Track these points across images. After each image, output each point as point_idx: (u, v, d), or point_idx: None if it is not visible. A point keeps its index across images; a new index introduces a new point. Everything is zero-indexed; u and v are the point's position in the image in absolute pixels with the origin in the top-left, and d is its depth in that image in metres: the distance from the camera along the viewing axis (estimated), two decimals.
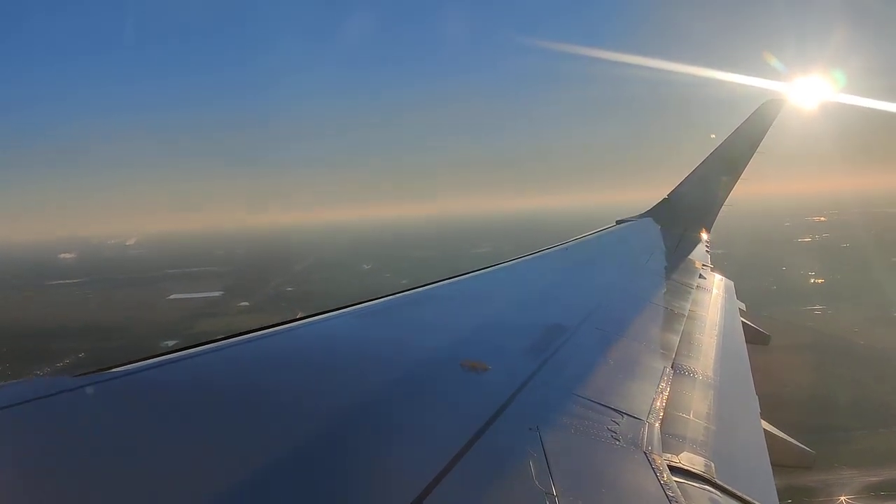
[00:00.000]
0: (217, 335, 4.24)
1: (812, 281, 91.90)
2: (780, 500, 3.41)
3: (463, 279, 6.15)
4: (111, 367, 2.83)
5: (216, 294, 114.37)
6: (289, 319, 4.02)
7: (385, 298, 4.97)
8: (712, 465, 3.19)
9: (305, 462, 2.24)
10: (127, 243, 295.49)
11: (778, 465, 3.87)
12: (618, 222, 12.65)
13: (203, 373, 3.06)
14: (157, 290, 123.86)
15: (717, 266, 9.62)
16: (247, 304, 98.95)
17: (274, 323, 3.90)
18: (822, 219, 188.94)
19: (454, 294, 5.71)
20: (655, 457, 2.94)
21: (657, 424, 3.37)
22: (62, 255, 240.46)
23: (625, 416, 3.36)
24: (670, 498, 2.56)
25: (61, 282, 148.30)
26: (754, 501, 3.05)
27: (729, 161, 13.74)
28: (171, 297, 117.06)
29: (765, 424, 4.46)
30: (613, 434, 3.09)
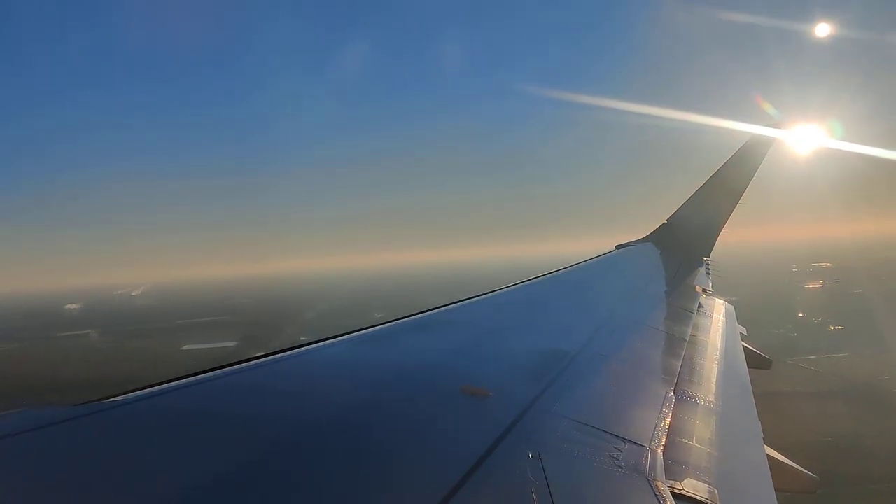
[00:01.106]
0: (335, 335, 4.33)
1: (831, 328, 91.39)
2: None
3: (462, 304, 6.18)
4: (109, 397, 2.83)
5: (231, 344, 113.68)
6: (287, 347, 4.03)
7: (384, 325, 4.98)
8: (716, 491, 3.19)
9: (302, 490, 2.24)
10: (133, 294, 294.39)
11: (782, 491, 3.87)
12: (618, 247, 12.67)
13: (201, 401, 3.05)
14: (169, 341, 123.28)
15: (732, 309, 9.67)
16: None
17: (272, 350, 3.90)
18: (829, 265, 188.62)
19: (454, 319, 5.69)
20: (658, 483, 2.94)
21: (660, 451, 3.37)
22: (68, 307, 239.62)
23: (627, 442, 3.36)
24: None
25: (70, 333, 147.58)
26: None
27: (728, 184, 13.80)
28: (185, 347, 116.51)
29: (768, 450, 4.42)
30: (616, 461, 3.09)
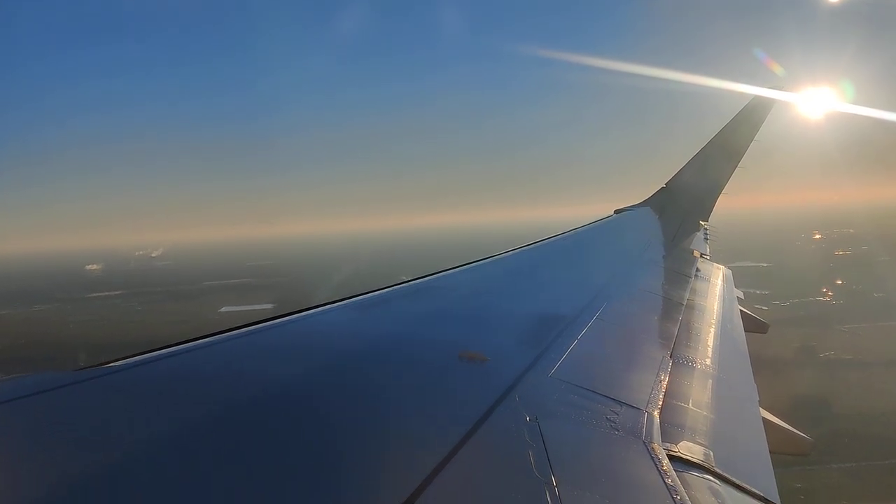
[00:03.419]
0: (334, 300, 4.32)
1: (875, 295, 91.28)
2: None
3: (460, 270, 6.16)
4: (109, 362, 2.84)
5: (268, 307, 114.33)
6: (286, 312, 4.02)
7: (383, 290, 4.98)
8: (711, 453, 3.20)
9: (303, 453, 2.26)
10: (153, 255, 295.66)
11: (777, 454, 3.89)
12: (616, 212, 12.64)
13: (201, 366, 3.06)
14: (204, 303, 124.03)
15: (730, 273, 9.64)
16: None
17: (271, 316, 3.91)
18: (852, 231, 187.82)
19: (452, 285, 5.69)
20: (654, 446, 2.96)
21: (656, 414, 3.39)
22: (89, 267, 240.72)
23: (623, 405, 3.38)
24: (669, 487, 2.58)
25: (100, 294, 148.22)
26: (753, 489, 3.08)
27: (727, 149, 13.64)
28: (223, 309, 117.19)
29: (764, 413, 4.47)
30: (612, 424, 3.12)
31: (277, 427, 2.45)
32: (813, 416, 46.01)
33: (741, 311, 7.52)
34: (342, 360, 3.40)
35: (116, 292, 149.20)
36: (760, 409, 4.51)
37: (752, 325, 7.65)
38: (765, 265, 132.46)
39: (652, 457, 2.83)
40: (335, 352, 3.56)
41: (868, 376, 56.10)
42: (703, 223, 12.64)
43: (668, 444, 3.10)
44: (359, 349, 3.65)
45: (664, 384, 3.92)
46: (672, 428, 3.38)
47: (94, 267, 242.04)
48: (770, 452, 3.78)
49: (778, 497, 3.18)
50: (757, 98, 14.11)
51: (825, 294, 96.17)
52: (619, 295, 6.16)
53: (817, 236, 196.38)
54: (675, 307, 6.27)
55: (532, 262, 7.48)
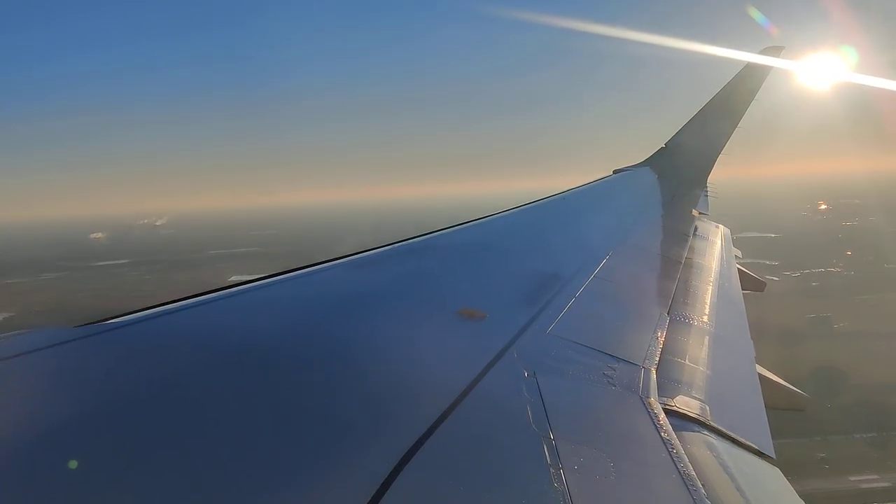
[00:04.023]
0: (335, 257, 4.35)
1: (886, 266, 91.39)
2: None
3: (460, 229, 6.15)
4: (107, 319, 2.84)
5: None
6: (289, 269, 4.01)
7: (382, 248, 4.97)
8: (707, 408, 3.23)
9: (302, 407, 2.28)
10: (156, 223, 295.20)
11: (773, 409, 3.90)
12: (615, 172, 12.64)
13: (199, 322, 3.07)
14: (213, 272, 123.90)
15: (728, 232, 9.67)
16: None
17: (272, 273, 3.92)
18: (858, 201, 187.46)
19: (451, 244, 5.68)
20: (651, 401, 2.99)
21: (653, 369, 3.41)
22: (93, 235, 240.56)
23: (621, 361, 3.41)
24: (665, 440, 2.61)
25: (107, 263, 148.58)
26: (748, 443, 3.10)
27: (727, 109, 13.64)
28: (233, 279, 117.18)
29: (759, 369, 4.51)
30: (609, 379, 3.15)
31: (280, 381, 2.47)
32: (833, 386, 46.46)
33: (739, 269, 7.57)
34: (344, 316, 3.40)
35: (123, 261, 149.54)
36: (757, 365, 4.56)
37: (750, 284, 7.72)
38: (772, 236, 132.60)
39: (648, 411, 2.88)
40: (336, 308, 3.56)
41: (885, 347, 56.45)
42: (702, 182, 12.63)
43: (665, 399, 3.13)
44: (359, 305, 3.65)
45: (661, 340, 3.96)
46: (669, 383, 3.42)
47: (99, 235, 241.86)
48: (766, 407, 3.81)
49: (773, 450, 3.19)
50: (756, 58, 14.08)
51: (836, 265, 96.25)
52: (618, 253, 6.13)
53: (823, 206, 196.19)
54: (673, 265, 6.32)
55: (531, 221, 7.48)
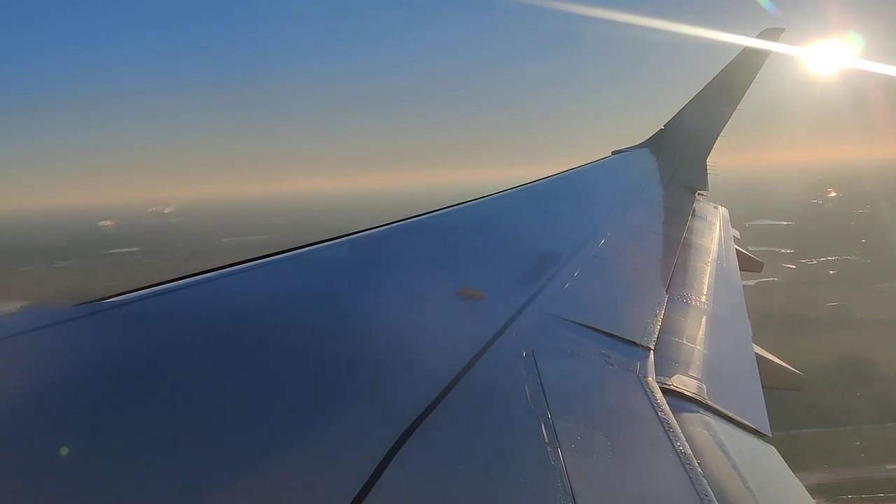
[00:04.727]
0: (332, 237, 4.27)
1: None
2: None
3: (458, 208, 6.10)
4: (105, 298, 2.85)
5: None
6: (285, 249, 3.98)
7: (381, 228, 4.93)
8: (704, 387, 3.27)
9: (303, 384, 2.30)
10: (165, 211, 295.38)
11: (769, 388, 3.94)
12: (614, 153, 12.61)
13: (198, 302, 3.06)
14: (225, 260, 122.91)
15: (727, 213, 9.65)
16: None
17: (271, 252, 3.88)
18: (868, 189, 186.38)
19: (450, 223, 5.66)
20: (648, 380, 3.02)
21: (651, 348, 3.46)
22: (102, 223, 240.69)
23: (619, 341, 3.45)
24: (662, 419, 2.64)
25: (119, 251, 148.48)
26: (745, 422, 3.14)
27: (727, 90, 13.56)
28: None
29: (756, 348, 4.53)
30: (607, 358, 3.18)
31: (281, 361, 2.49)
32: (861, 375, 46.45)
33: (737, 249, 7.60)
34: (342, 297, 3.42)
35: (135, 249, 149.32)
36: (754, 344, 4.60)
37: (748, 264, 7.81)
38: (784, 223, 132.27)
39: (646, 390, 2.92)
40: (336, 289, 3.57)
41: None
42: (701, 163, 12.65)
43: (662, 378, 3.16)
44: (357, 285, 3.68)
45: (659, 320, 3.99)
46: (666, 362, 3.44)
47: (108, 223, 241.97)
48: (763, 387, 3.84)
49: (769, 429, 3.22)
50: (758, 38, 13.90)
51: (851, 253, 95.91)
52: (617, 233, 6.16)
53: (833, 194, 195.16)
54: (671, 245, 6.34)
55: (531, 201, 7.47)
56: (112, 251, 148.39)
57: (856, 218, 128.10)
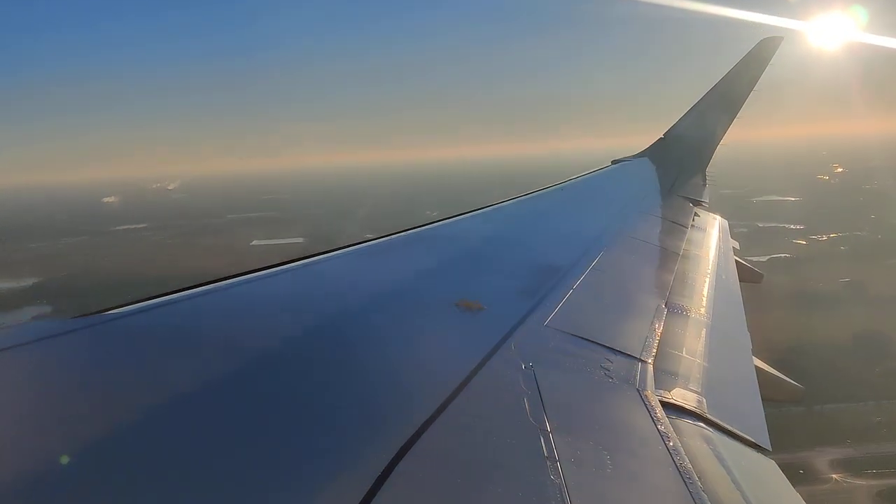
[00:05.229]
0: (334, 248, 4.36)
1: None
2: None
3: (458, 220, 6.13)
4: (108, 309, 2.86)
5: (298, 240, 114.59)
6: (284, 260, 4.02)
7: (381, 239, 4.98)
8: (704, 400, 3.26)
9: (304, 395, 2.31)
10: (169, 187, 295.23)
11: (769, 401, 3.92)
12: (613, 162, 12.63)
13: (198, 314, 3.08)
14: (233, 237, 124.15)
15: (726, 224, 9.67)
16: None
17: (271, 264, 3.91)
18: (874, 164, 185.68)
19: (450, 235, 5.66)
20: (648, 393, 3.01)
21: (650, 362, 3.43)
22: (106, 199, 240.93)
23: (618, 354, 3.42)
24: (662, 433, 2.62)
25: (126, 227, 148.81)
26: (745, 435, 3.12)
27: (726, 100, 13.61)
28: (254, 243, 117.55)
29: (756, 361, 4.51)
30: (607, 372, 3.15)
31: (279, 372, 2.50)
32: (878, 351, 46.65)
33: (736, 260, 7.61)
34: (343, 308, 3.43)
35: (141, 225, 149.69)
36: (753, 357, 4.57)
37: (747, 275, 7.75)
38: (792, 199, 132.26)
39: (645, 404, 2.90)
40: (336, 300, 3.59)
41: None
42: (701, 173, 12.70)
43: (662, 392, 3.15)
44: (358, 297, 3.68)
45: (658, 333, 3.97)
46: (666, 375, 3.42)
47: (112, 199, 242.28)
48: (762, 399, 3.83)
49: (769, 442, 3.20)
50: (756, 49, 13.89)
51: (861, 228, 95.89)
52: (616, 245, 6.16)
53: (839, 170, 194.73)
54: (670, 257, 6.32)
55: (530, 212, 7.48)
56: (119, 228, 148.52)
57: (863, 193, 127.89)
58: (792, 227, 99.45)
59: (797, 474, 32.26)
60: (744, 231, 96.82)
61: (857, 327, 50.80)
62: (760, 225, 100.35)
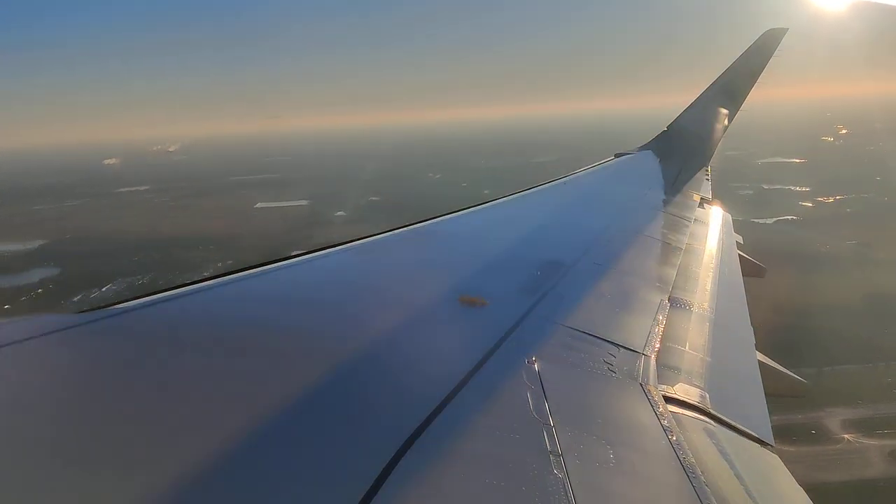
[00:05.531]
0: (335, 243, 4.37)
1: None
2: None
3: (461, 215, 6.14)
4: (113, 304, 2.88)
5: (303, 203, 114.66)
6: (286, 256, 4.05)
7: (383, 234, 4.99)
8: (707, 395, 3.27)
9: (307, 391, 2.33)
10: (170, 149, 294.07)
11: (772, 396, 3.94)
12: (616, 155, 12.54)
13: (198, 311, 3.09)
14: (237, 199, 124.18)
15: (729, 218, 9.73)
16: (343, 213, 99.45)
17: (272, 259, 3.91)
18: (878, 125, 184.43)
19: (452, 230, 5.68)
20: (651, 388, 3.02)
21: (653, 357, 3.45)
22: (106, 161, 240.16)
23: (621, 348, 3.44)
24: (665, 428, 2.64)
25: (128, 189, 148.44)
26: (748, 430, 3.13)
27: (729, 92, 13.52)
28: (258, 205, 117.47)
29: (759, 356, 4.52)
30: (610, 366, 3.17)
31: (282, 368, 2.53)
32: (888, 313, 46.65)
33: (739, 255, 7.60)
34: (345, 304, 3.47)
35: (144, 187, 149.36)
36: (756, 352, 4.58)
37: (751, 269, 7.75)
38: (797, 161, 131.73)
39: (648, 399, 2.91)
40: (338, 295, 3.62)
41: None
42: (705, 166, 12.68)
43: (665, 387, 3.17)
44: (361, 293, 3.72)
45: (661, 328, 3.98)
46: (669, 370, 3.45)
47: (113, 161, 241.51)
48: (766, 395, 3.82)
49: (772, 437, 3.21)
50: (760, 41, 13.63)
51: (867, 190, 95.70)
52: (618, 239, 6.20)
53: (844, 131, 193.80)
54: (673, 251, 6.30)
55: (532, 207, 7.46)
56: (122, 190, 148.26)
57: (868, 155, 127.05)
58: (797, 189, 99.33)
59: (809, 435, 32.89)
60: (749, 193, 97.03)
61: (867, 289, 50.93)
62: (766, 187, 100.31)
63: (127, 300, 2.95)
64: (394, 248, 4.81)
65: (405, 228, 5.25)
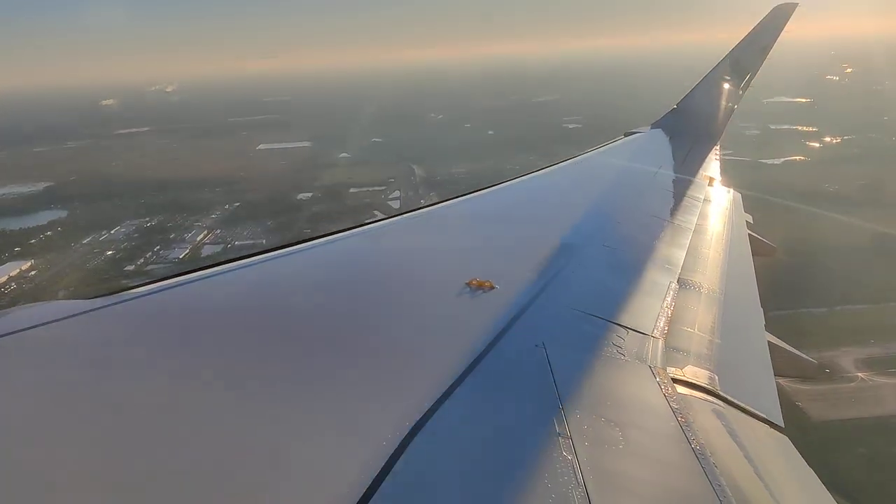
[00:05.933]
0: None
1: None
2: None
3: (469, 198, 6.12)
4: (116, 292, 2.94)
5: (305, 144, 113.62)
6: (295, 241, 4.10)
7: (392, 219, 5.03)
8: (716, 377, 3.29)
9: (316, 374, 2.40)
10: (167, 90, 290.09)
11: (782, 377, 3.93)
12: (626, 134, 12.51)
13: (202, 297, 3.16)
14: (238, 140, 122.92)
15: (739, 197, 9.79)
16: (347, 155, 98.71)
17: (281, 244, 3.99)
18: (882, 65, 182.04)
19: (461, 213, 5.68)
20: (660, 370, 3.04)
21: (662, 339, 3.46)
22: (104, 102, 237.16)
23: (630, 331, 3.44)
24: (674, 410, 2.66)
25: (129, 131, 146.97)
26: (757, 412, 3.15)
27: (739, 69, 13.35)
28: (260, 147, 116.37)
29: (769, 336, 4.50)
30: (619, 349, 3.17)
31: (293, 351, 2.60)
32: None
33: (749, 234, 7.57)
34: (354, 288, 3.53)
35: (145, 129, 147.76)
36: (766, 333, 4.54)
37: (761, 249, 7.63)
38: (803, 101, 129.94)
39: (657, 381, 2.93)
40: (347, 280, 3.69)
41: None
42: (714, 144, 12.69)
43: (674, 369, 3.18)
44: (369, 277, 3.79)
45: (670, 310, 3.98)
46: (678, 352, 3.45)
47: (110, 102, 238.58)
48: (775, 376, 3.84)
49: (781, 419, 3.22)
50: (769, 17, 13.53)
51: (874, 130, 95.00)
52: (628, 221, 6.22)
53: (849, 70, 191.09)
54: (683, 232, 6.21)
55: (541, 189, 7.41)
56: (122, 131, 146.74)
57: (874, 95, 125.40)
58: (804, 129, 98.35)
59: (823, 373, 33.02)
60: (756, 133, 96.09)
61: (877, 229, 50.90)
62: (772, 127, 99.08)
63: (137, 286, 3.06)
64: (402, 232, 4.86)
65: (414, 212, 5.33)
